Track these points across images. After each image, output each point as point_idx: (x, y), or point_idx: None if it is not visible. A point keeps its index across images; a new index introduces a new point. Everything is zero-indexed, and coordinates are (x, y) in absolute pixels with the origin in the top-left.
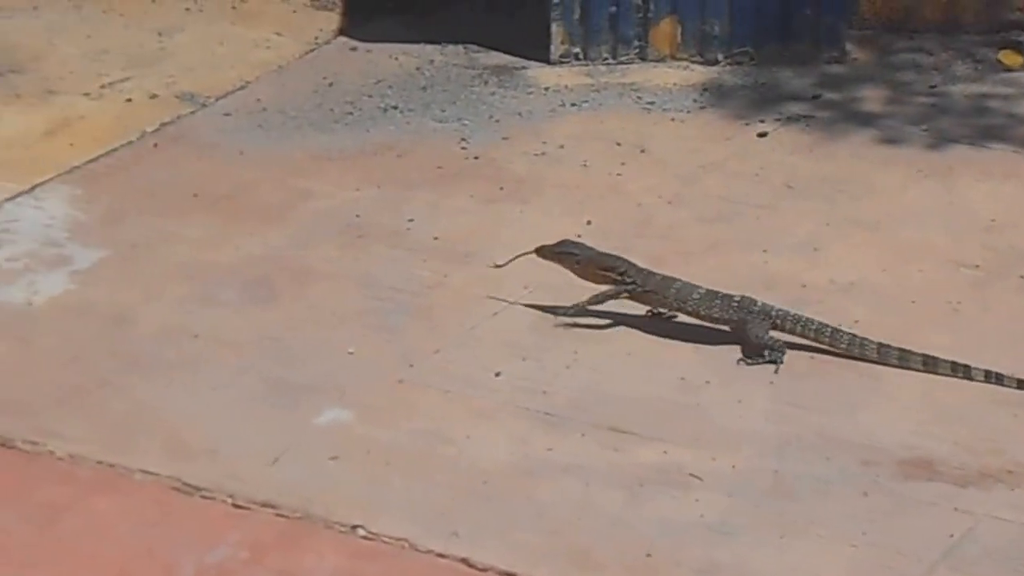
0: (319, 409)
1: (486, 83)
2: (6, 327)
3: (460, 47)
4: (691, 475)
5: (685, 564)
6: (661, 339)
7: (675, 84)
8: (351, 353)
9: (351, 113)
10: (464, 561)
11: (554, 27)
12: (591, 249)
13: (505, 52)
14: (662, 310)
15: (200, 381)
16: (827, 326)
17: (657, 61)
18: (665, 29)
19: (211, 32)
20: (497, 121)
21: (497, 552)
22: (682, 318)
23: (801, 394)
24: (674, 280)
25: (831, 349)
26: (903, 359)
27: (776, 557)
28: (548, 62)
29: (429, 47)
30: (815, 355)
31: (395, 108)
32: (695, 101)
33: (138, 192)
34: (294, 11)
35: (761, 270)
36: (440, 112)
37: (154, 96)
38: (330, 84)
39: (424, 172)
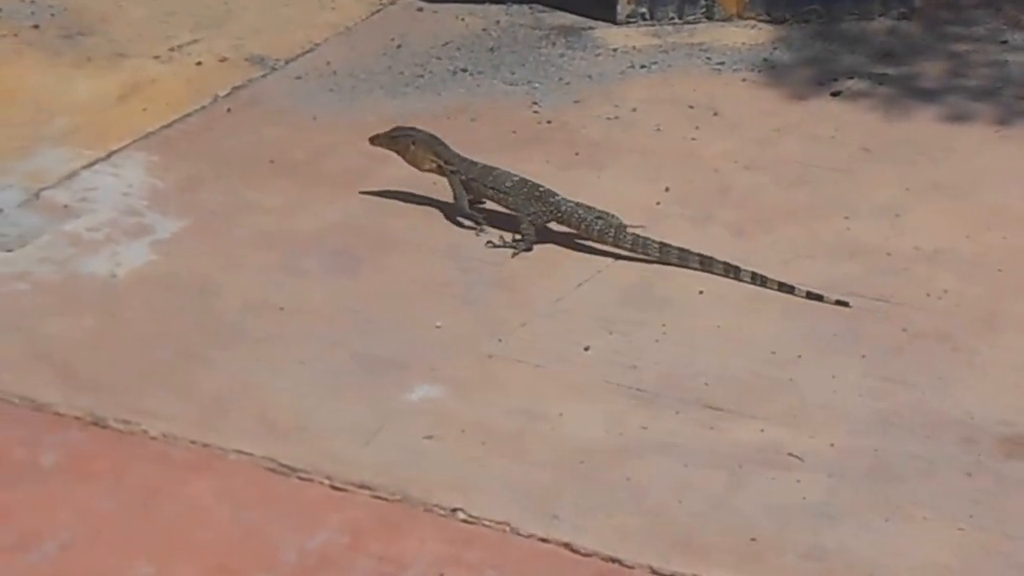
0: (410, 385)
1: (554, 44)
2: (91, 300)
3: (525, 7)
4: (791, 455)
5: (790, 549)
6: (750, 311)
7: (743, 43)
8: (438, 327)
9: (421, 76)
10: (567, 546)
11: None
12: (422, 132)
13: (571, 12)
14: (482, 199)
15: (288, 355)
16: (611, 227)
17: (724, 20)
18: None
19: None
20: (567, 84)
21: (599, 536)
22: None
23: (894, 369)
24: (492, 168)
25: (616, 248)
26: (681, 258)
27: (882, 542)
28: (615, 22)
29: (494, 7)
30: (907, 328)
31: (464, 71)
32: (765, 61)
33: (214, 158)
34: None
35: (844, 237)
36: (510, 74)
37: (224, 59)
38: (398, 46)
39: (498, 137)
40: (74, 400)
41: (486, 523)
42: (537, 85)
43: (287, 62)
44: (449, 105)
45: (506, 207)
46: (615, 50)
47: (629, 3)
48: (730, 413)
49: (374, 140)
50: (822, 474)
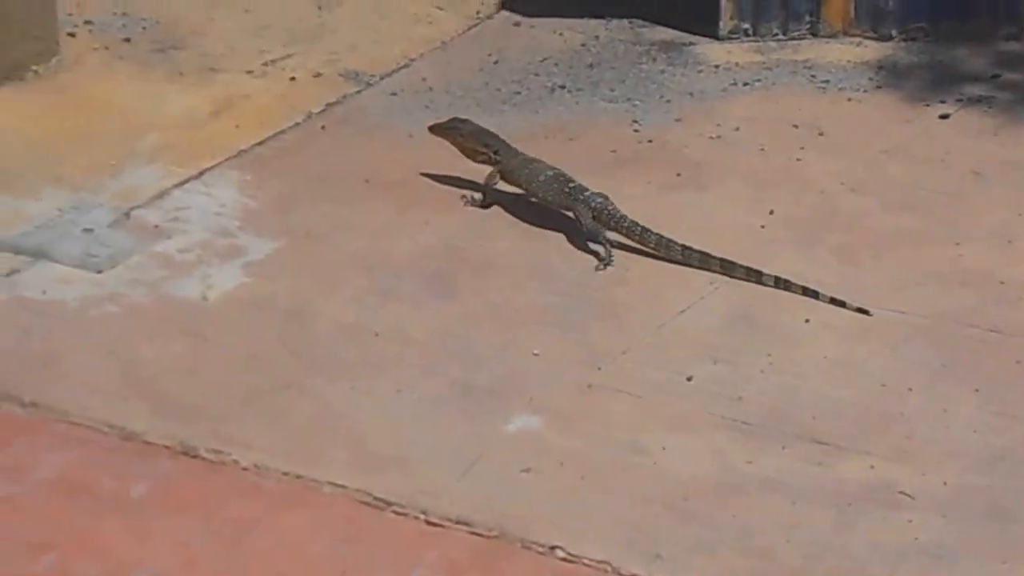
0: (507, 416)
1: (654, 60)
2: (182, 324)
3: (625, 22)
4: (902, 493)
5: None
6: (858, 340)
7: (849, 61)
8: (536, 354)
9: (518, 92)
10: None
11: (723, 2)
12: (474, 125)
13: (671, 27)
14: (519, 191)
15: (384, 383)
16: (638, 224)
17: (829, 37)
18: (837, 4)
19: (371, 5)
20: (668, 101)
21: None
22: None
23: (1010, 403)
24: (532, 160)
25: (641, 247)
26: (703, 261)
27: None
28: (716, 38)
29: (593, 21)
30: (1021, 360)
31: (563, 87)
32: (871, 80)
33: (308, 177)
34: None
35: (955, 264)
36: (609, 92)
37: (318, 74)
38: (495, 62)
39: (598, 156)
40: (164, 428)
41: (586, 562)
42: (637, 103)
43: (382, 78)
44: (547, 123)
45: (539, 200)
46: (717, 67)
47: (732, 18)
48: (838, 448)
49: (432, 129)
50: (935, 513)
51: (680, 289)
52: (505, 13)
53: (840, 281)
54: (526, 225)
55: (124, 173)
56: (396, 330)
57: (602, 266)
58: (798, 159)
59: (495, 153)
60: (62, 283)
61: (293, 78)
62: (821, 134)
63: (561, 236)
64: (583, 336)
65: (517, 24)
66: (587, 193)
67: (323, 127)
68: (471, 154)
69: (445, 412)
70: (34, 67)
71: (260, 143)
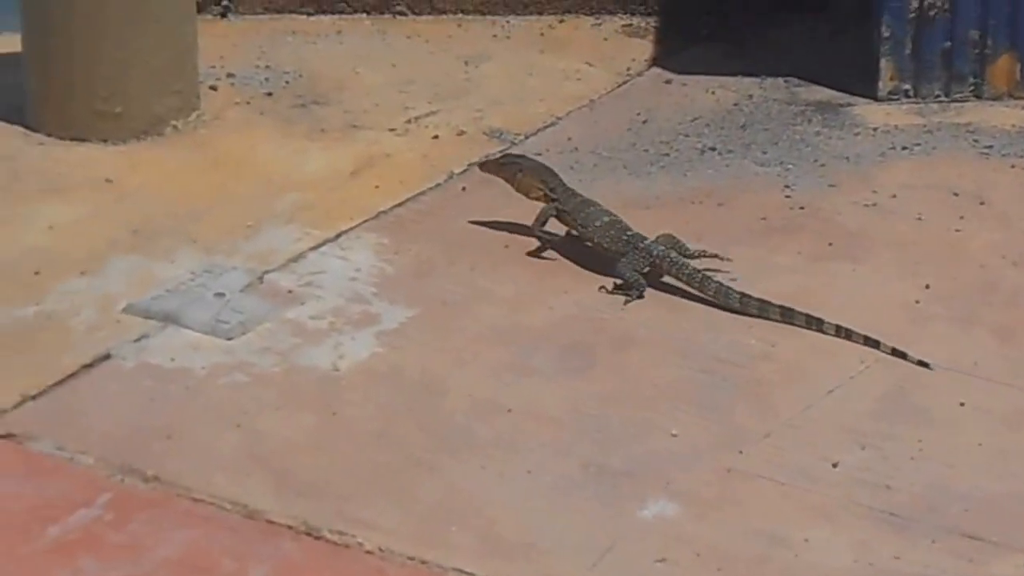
0: (643, 500)
1: (809, 121)
2: (311, 396)
3: (780, 80)
4: None
5: None
6: (1016, 426)
7: (1014, 126)
8: (675, 435)
9: (667, 154)
10: None
11: (883, 62)
12: (531, 161)
13: (828, 87)
14: (574, 233)
15: (515, 464)
16: (699, 272)
17: (994, 100)
18: (1003, 66)
19: (519, 61)
20: (822, 165)
21: None
22: None
23: None
24: (590, 204)
25: (701, 295)
26: (762, 309)
27: None
28: (875, 98)
29: (747, 79)
30: None
31: (713, 149)
32: None
33: (447, 241)
34: (605, 38)
35: None
36: (761, 154)
37: (461, 132)
38: (644, 121)
39: (747, 223)
40: (288, 507)
41: None
42: (790, 166)
43: (527, 136)
44: (696, 187)
45: (594, 246)
46: (875, 129)
47: (891, 79)
48: (992, 544)
49: (483, 167)
50: None
51: (829, 367)
52: (656, 70)
53: (999, 360)
54: (667, 295)
55: (260, 234)
56: (530, 406)
57: (632, 299)
58: (957, 230)
59: (551, 191)
60: (191, 350)
61: (436, 136)
62: (982, 203)
63: (705, 307)
64: (725, 416)
65: (668, 82)
66: (647, 242)
67: (464, 188)
68: (526, 191)
69: (578, 496)
70: (174, 122)
71: (399, 204)
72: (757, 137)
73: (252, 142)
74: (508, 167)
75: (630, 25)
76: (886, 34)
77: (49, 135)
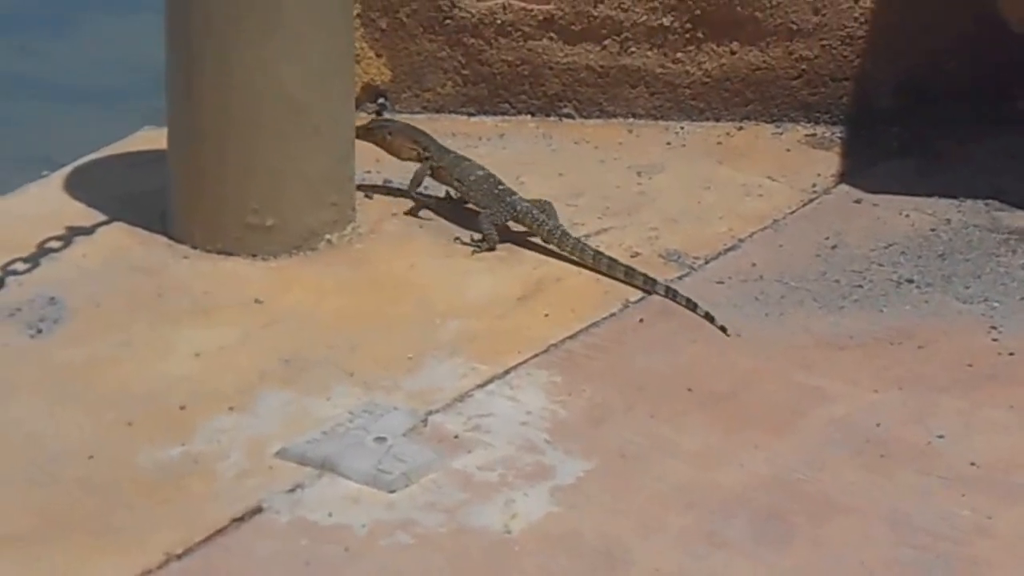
0: None
1: (1014, 252)
2: (480, 562)
3: (980, 203)
4: None
5: None
6: None
7: None
8: None
9: (860, 286)
10: None
11: None
12: (399, 122)
13: None
14: (452, 190)
15: None
16: (559, 227)
17: None
18: None
19: (695, 173)
20: None
21: None
22: None
23: None
24: (464, 159)
25: (560, 251)
26: (610, 268)
27: None
28: None
29: (944, 201)
30: None
31: (910, 281)
32: None
33: (624, 382)
34: (787, 149)
35: None
36: (963, 289)
37: (636, 254)
38: (833, 246)
39: (950, 370)
40: None
41: None
42: (995, 304)
43: (707, 261)
44: (892, 325)
45: (467, 199)
46: None
47: None
48: None
49: (357, 134)
50: None
51: None
52: (844, 187)
53: None
54: (871, 453)
55: (422, 368)
56: None
57: (480, 251)
58: None
59: (424, 149)
60: (350, 503)
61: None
62: None
63: (909, 470)
64: None
65: (858, 201)
66: (513, 198)
67: (641, 320)
68: (398, 152)
69: None
70: (328, 236)
71: (571, 336)
72: (958, 269)
73: (411, 259)
74: (377, 131)
75: (814, 135)
76: None
77: (195, 247)
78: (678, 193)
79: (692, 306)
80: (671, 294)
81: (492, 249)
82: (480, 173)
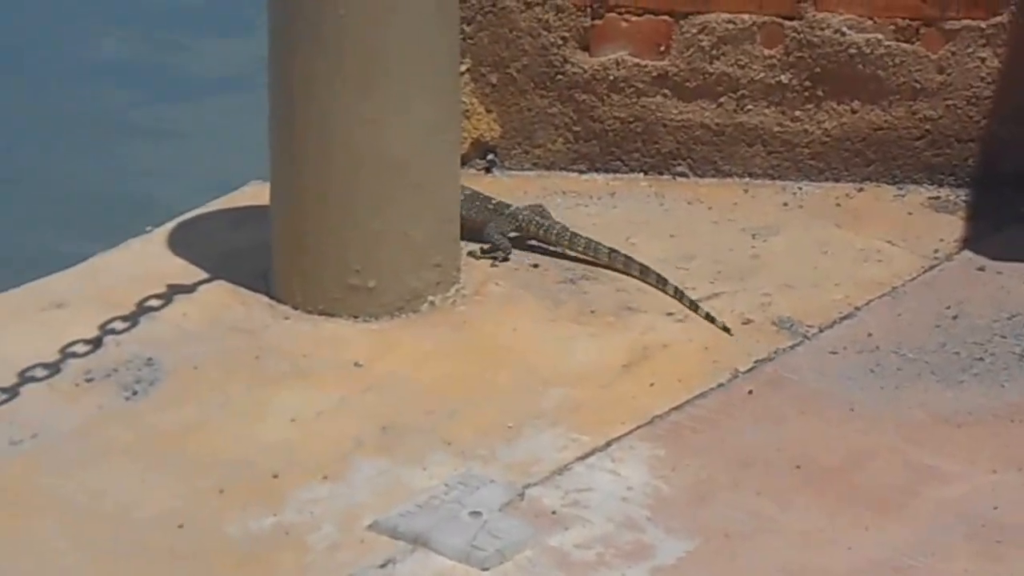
0: None
1: None
2: None
3: None
4: None
5: None
6: None
7: None
8: None
9: (981, 359)
10: None
11: None
12: None
13: None
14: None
15: None
16: (567, 230)
17: None
18: None
19: (811, 236)
20: None
21: None
22: None
23: None
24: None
25: (570, 252)
26: (626, 265)
27: None
28: None
29: None
30: None
31: None
32: None
33: (730, 457)
34: (909, 212)
35: None
36: None
37: (748, 321)
38: (954, 316)
39: None
40: None
41: None
42: None
43: (821, 330)
44: (1014, 402)
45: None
46: None
47: None
48: None
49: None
50: None
51: None
52: (968, 254)
53: None
54: (987, 538)
55: (521, 438)
56: None
57: (497, 261)
58: None
59: None
60: None
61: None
62: None
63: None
64: None
65: (981, 269)
66: (512, 208)
67: (750, 392)
68: None
69: None
70: (431, 297)
71: (677, 408)
72: None
73: (514, 323)
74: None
75: (937, 198)
76: None
77: (296, 308)
78: (793, 257)
79: (694, 307)
80: (679, 295)
81: (507, 259)
82: (467, 192)
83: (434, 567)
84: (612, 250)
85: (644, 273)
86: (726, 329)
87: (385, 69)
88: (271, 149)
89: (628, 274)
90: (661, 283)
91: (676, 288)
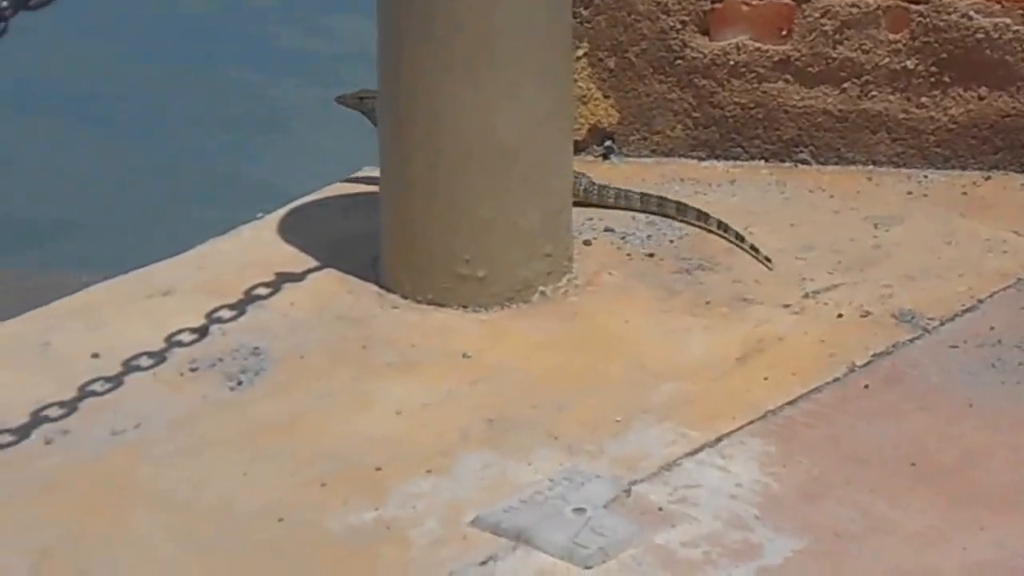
0: None
1: None
2: None
3: None
4: None
5: None
6: None
7: None
8: None
9: None
10: None
11: None
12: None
13: None
14: None
15: None
16: (594, 184)
17: None
18: None
19: (936, 226)
20: None
21: None
22: None
23: None
24: None
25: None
26: (660, 205)
27: None
28: None
29: None
30: None
31: None
32: None
33: (843, 454)
34: None
35: None
36: None
37: (866, 313)
38: None
39: None
40: None
41: None
42: None
43: (942, 323)
44: None
45: None
46: None
47: None
48: None
49: (340, 99)
50: None
51: None
52: None
53: None
54: None
55: (630, 432)
56: None
57: None
58: None
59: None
60: None
61: (840, 315)
62: None
63: None
64: None
65: None
66: None
67: (866, 386)
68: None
69: None
70: (542, 287)
71: (791, 402)
72: None
73: (627, 314)
74: (367, 100)
75: None
76: None
77: (405, 297)
78: (916, 247)
79: (739, 239)
80: (703, 218)
81: None
82: None
83: (536, 565)
84: (643, 194)
85: (681, 211)
86: (768, 260)
87: (494, 55)
88: (380, 137)
89: (665, 215)
90: (703, 219)
91: (719, 222)
